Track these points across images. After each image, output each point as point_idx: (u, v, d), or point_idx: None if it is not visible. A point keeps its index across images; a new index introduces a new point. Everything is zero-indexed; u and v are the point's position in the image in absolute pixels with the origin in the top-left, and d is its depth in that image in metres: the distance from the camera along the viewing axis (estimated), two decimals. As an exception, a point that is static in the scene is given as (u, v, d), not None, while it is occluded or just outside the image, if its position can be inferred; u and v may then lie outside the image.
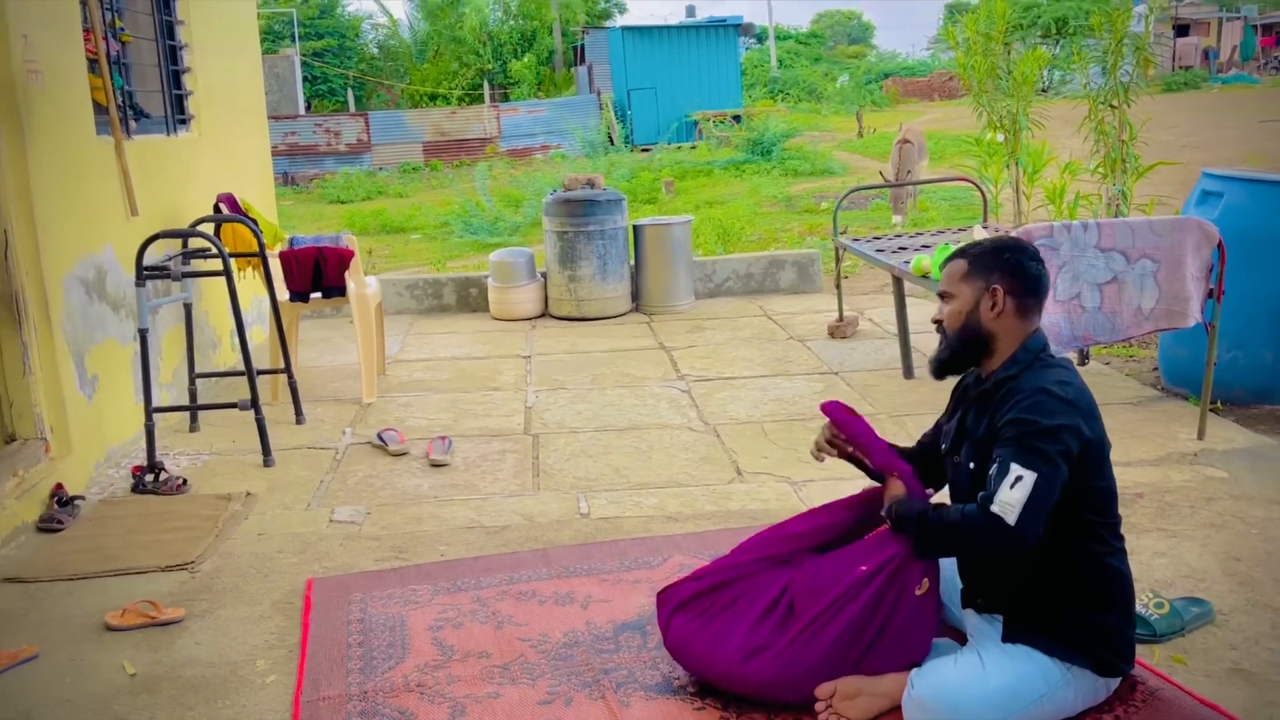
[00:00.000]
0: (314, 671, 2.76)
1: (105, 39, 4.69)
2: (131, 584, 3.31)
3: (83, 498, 3.98)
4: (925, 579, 2.43)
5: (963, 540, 2.33)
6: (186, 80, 5.73)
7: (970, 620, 2.57)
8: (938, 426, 2.77)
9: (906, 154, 10.37)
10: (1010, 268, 2.44)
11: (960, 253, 2.54)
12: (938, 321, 2.54)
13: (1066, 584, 2.36)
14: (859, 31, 66.59)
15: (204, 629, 3.02)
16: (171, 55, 5.60)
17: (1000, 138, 6.85)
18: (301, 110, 26.58)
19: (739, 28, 26.23)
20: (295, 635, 2.96)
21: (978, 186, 6.19)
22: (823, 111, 30.51)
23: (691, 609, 2.63)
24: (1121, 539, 2.45)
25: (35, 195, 3.92)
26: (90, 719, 2.59)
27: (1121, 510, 2.47)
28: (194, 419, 4.90)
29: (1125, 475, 3.72)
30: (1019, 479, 2.20)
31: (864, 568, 2.41)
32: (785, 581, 2.57)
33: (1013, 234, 2.96)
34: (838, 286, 6.29)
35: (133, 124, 5.03)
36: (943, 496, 2.73)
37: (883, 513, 2.49)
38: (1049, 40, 32.96)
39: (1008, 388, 2.38)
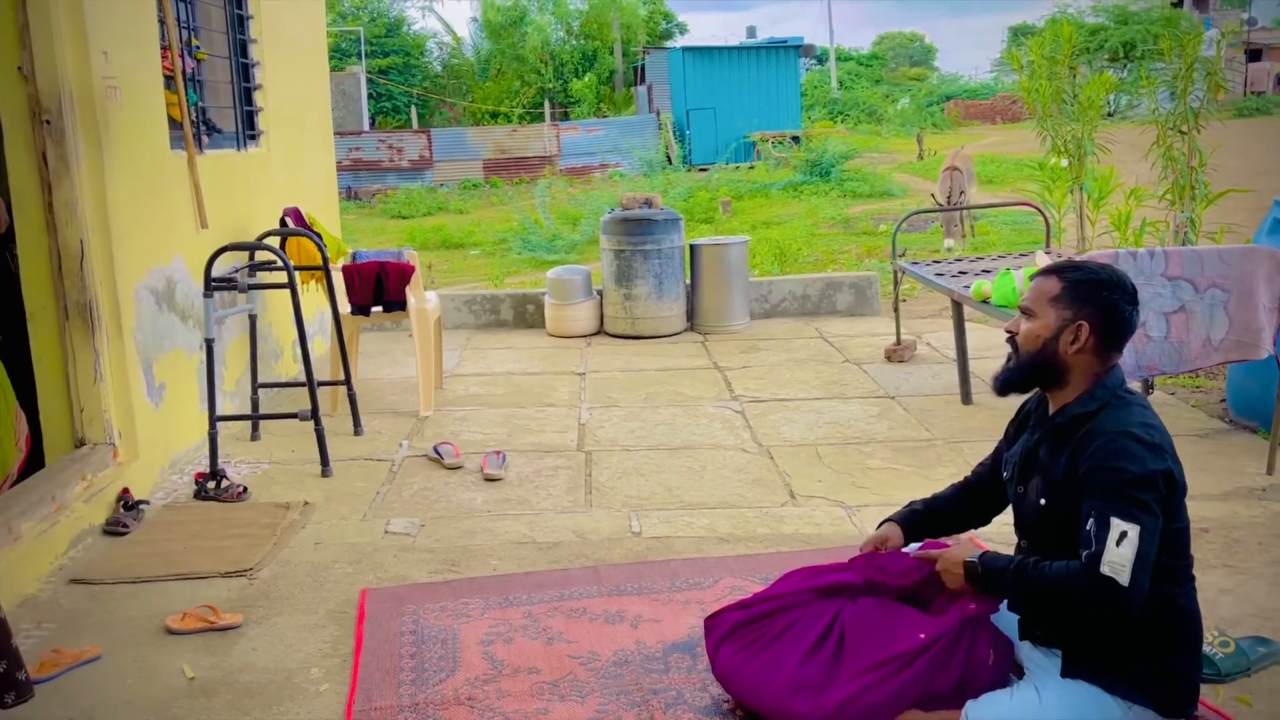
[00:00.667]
0: (366, 681, 2.79)
1: (181, 56, 4.83)
2: (192, 588, 3.38)
3: (147, 502, 4.07)
4: (992, 651, 2.38)
5: (1068, 601, 2.22)
6: (257, 97, 5.87)
7: (1027, 652, 2.51)
8: (997, 453, 2.72)
9: (956, 180, 10.35)
10: (1105, 307, 2.31)
11: (1056, 271, 2.40)
12: (1011, 335, 2.44)
13: (1134, 623, 2.30)
14: (921, 54, 66.18)
15: (261, 635, 3.07)
16: (244, 73, 5.75)
17: (1064, 163, 6.76)
18: (366, 126, 27.09)
19: (799, 49, 26.22)
20: (349, 644, 3.00)
21: (1040, 211, 6.10)
22: (883, 133, 30.37)
23: (739, 638, 2.60)
24: (1192, 579, 2.38)
25: (111, 207, 4.03)
26: (149, 720, 2.65)
27: (1187, 546, 2.40)
28: (255, 428, 5.00)
29: (1191, 509, 3.62)
30: (1124, 535, 2.12)
31: (922, 635, 2.37)
32: (835, 611, 2.53)
33: (1077, 258, 2.88)
34: (895, 310, 6.24)
35: (205, 139, 5.16)
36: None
37: (973, 560, 2.38)
38: (1116, 64, 32.48)
39: (1088, 428, 2.28)
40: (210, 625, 3.09)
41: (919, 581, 2.57)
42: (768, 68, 25.11)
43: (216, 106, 5.49)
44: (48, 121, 3.85)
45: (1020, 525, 2.56)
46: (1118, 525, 2.13)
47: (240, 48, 5.72)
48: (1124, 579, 2.12)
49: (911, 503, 2.80)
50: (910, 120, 33.21)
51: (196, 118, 5.02)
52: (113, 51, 4.10)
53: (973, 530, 2.84)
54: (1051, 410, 2.42)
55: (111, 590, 3.39)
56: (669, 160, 22.97)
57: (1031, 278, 2.45)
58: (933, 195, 11.65)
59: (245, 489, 4.22)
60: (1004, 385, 2.47)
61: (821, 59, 45.74)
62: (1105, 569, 2.13)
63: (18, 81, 3.84)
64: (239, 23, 5.72)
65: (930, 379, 5.71)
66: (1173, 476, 2.21)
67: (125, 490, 3.99)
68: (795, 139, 22.80)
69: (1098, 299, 2.32)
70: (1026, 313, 2.40)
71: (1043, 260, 4.77)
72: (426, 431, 5.04)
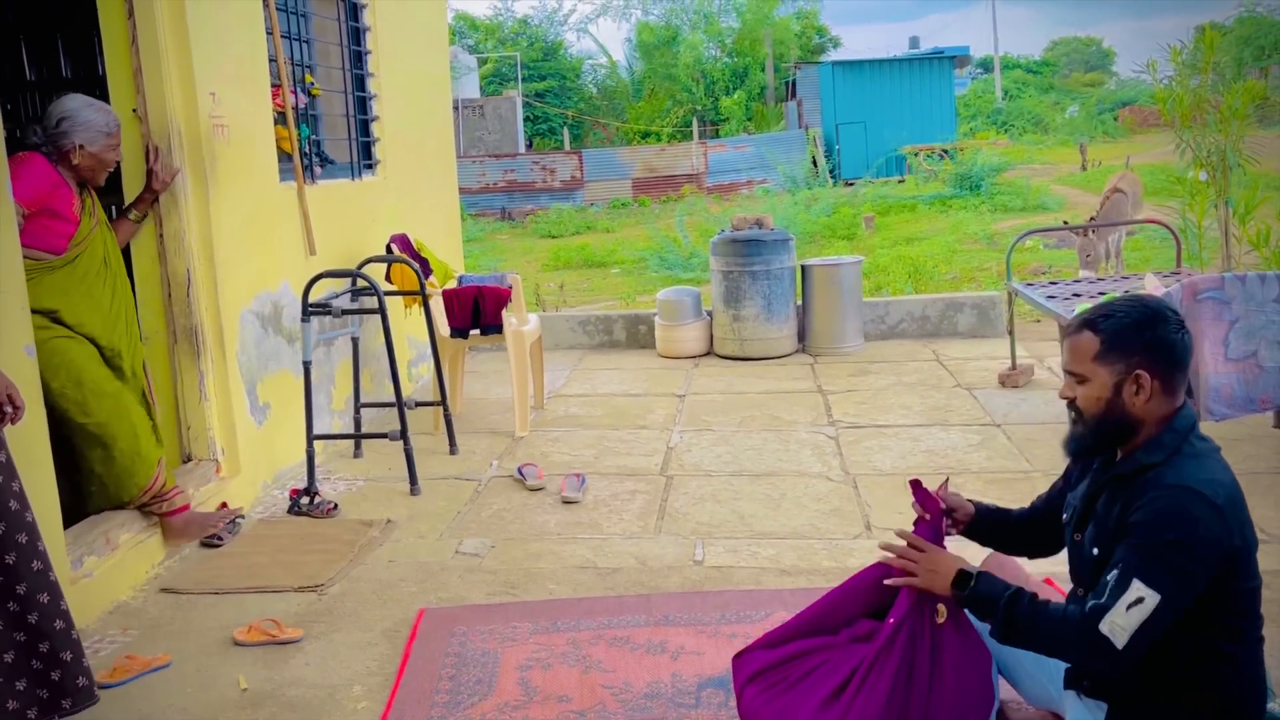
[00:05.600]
0: (402, 702, 2.86)
1: (294, 93, 5.11)
2: (266, 602, 3.54)
3: (244, 516, 4.30)
4: (940, 605, 2.27)
5: (1057, 645, 2.10)
6: (374, 128, 6.14)
7: (1070, 703, 2.35)
8: (1056, 493, 2.57)
9: (1117, 205, 8.60)
10: (1154, 346, 2.11)
11: (1089, 325, 2.18)
12: (1069, 400, 2.24)
13: (1188, 682, 2.12)
14: (1097, 58, 63.32)
15: (316, 651, 3.19)
16: (361, 105, 6.02)
17: (1203, 176, 6.31)
18: (522, 149, 27.90)
19: (953, 60, 25.48)
20: (396, 663, 3.08)
21: (1170, 230, 5.72)
22: (1046, 143, 29.10)
23: (764, 679, 2.55)
24: (1260, 639, 2.17)
25: (216, 238, 4.30)
26: (198, 728, 2.79)
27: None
28: (358, 446, 5.21)
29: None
30: (1139, 601, 1.96)
31: (891, 619, 2.28)
32: (858, 660, 2.45)
33: (1148, 290, 2.69)
34: (1010, 332, 5.98)
35: (318, 170, 5.43)
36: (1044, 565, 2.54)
37: (969, 570, 2.24)
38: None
39: (1148, 476, 2.10)
40: (272, 638, 3.24)
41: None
42: (920, 79, 24.50)
43: (333, 138, 5.77)
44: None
45: (1075, 574, 2.40)
46: (1137, 589, 1.97)
47: (358, 82, 6.00)
48: (1119, 642, 1.97)
49: (993, 506, 2.62)
50: (1080, 129, 31.67)
51: (309, 149, 5.29)
52: (221, 92, 4.37)
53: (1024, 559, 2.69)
54: (1119, 457, 2.22)
55: (195, 600, 3.60)
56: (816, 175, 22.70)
57: (1064, 337, 2.27)
58: (1091, 218, 10.79)
59: (335, 505, 4.40)
60: (1080, 453, 2.28)
61: (986, 67, 44.29)
62: (1104, 627, 1.98)
63: (133, 122, 4.15)
64: (357, 58, 6.00)
65: (1042, 406, 5.43)
66: (1229, 544, 2.01)
67: (223, 504, 4.23)
68: (945, 152, 22.15)
69: (1144, 341, 2.11)
70: (1075, 376, 2.20)
71: (1152, 283, 4.47)
72: (519, 452, 5.14)
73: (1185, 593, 1.99)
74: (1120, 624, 1.97)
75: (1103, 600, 2.02)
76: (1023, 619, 2.12)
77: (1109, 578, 2.04)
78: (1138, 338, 2.12)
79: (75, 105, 3.74)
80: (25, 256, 3.59)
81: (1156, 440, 2.13)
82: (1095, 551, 2.22)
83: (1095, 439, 2.21)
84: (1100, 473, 2.28)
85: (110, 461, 3.74)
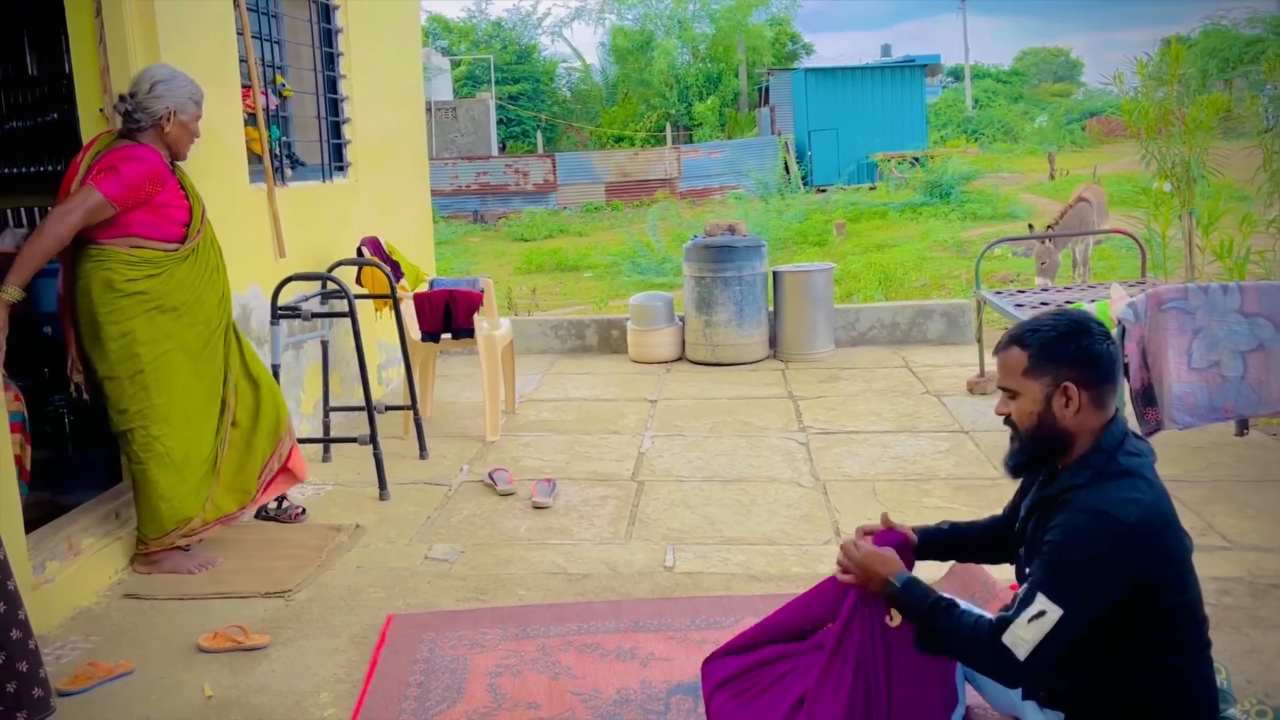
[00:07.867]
0: (369, 709, 2.84)
1: (265, 94, 5.07)
2: (232, 607, 3.51)
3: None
4: (893, 609, 2.29)
5: (965, 654, 2.16)
6: (346, 130, 6.11)
7: (1030, 713, 2.38)
8: (1018, 500, 2.60)
9: (1081, 214, 8.65)
10: (1081, 358, 2.14)
11: (1017, 340, 2.23)
12: (1005, 417, 2.27)
13: (1136, 695, 2.15)
14: (1065, 69, 64.11)
15: (283, 657, 3.16)
16: (333, 107, 5.99)
17: (1167, 187, 6.39)
18: (495, 151, 27.82)
19: (924, 68, 25.70)
20: (363, 670, 3.06)
21: (1136, 240, 5.79)
22: (1015, 152, 29.39)
23: (733, 686, 2.58)
24: (1205, 647, 2.21)
25: (184, 239, 4.25)
26: (162, 736, 2.76)
27: (1252, 601, 2.23)
28: (326, 450, 5.17)
29: (1266, 562, 3.38)
30: (1041, 614, 2.01)
31: (838, 624, 2.31)
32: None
33: (1114, 299, 2.72)
34: (979, 339, 6.03)
35: (288, 172, 5.39)
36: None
37: (894, 582, 2.26)
38: None
39: (1067, 498, 2.14)
40: (238, 645, 3.20)
41: None
42: (892, 88, 24.71)
43: (304, 140, 5.73)
44: (126, 159, 4.09)
45: (1021, 582, 2.44)
46: (1041, 602, 2.02)
47: (330, 84, 5.96)
48: (1020, 654, 2.03)
49: (944, 522, 2.65)
50: (1048, 138, 32.05)
51: (279, 151, 5.25)
52: (191, 92, 4.32)
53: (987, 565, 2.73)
54: (1052, 474, 2.26)
55: (160, 606, 3.55)
56: (788, 181, 22.80)
57: (995, 353, 2.30)
58: (1050, 226, 10.98)
59: (303, 510, 4.37)
60: (1016, 469, 2.31)
61: (958, 76, 44.70)
62: (1007, 638, 2.04)
63: (100, 122, 4.10)
64: (329, 60, 5.96)
65: (1009, 413, 5.47)
66: (1136, 567, 2.03)
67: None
68: (915, 160, 22.31)
69: (1068, 352, 2.15)
70: (1008, 392, 2.24)
71: (1117, 292, 4.52)
72: (489, 457, 5.12)
73: (1089, 609, 2.04)
74: (1023, 636, 2.03)
75: (1011, 613, 2.07)
76: (940, 630, 2.17)
77: (1021, 590, 2.11)
78: (1064, 350, 2.16)
79: (165, 72, 3.73)
80: (149, 249, 3.59)
81: (1084, 460, 2.16)
82: (1028, 571, 2.25)
83: (1030, 454, 2.25)
84: (1037, 491, 2.31)
85: (160, 493, 3.70)
